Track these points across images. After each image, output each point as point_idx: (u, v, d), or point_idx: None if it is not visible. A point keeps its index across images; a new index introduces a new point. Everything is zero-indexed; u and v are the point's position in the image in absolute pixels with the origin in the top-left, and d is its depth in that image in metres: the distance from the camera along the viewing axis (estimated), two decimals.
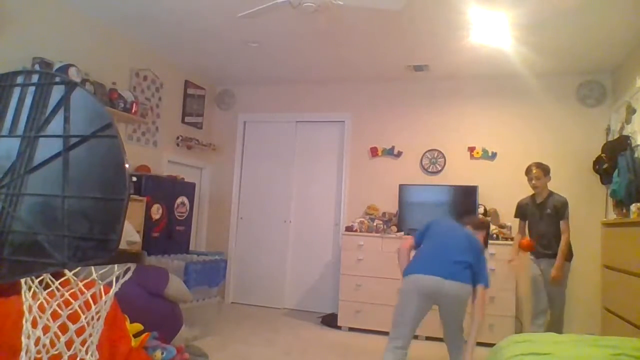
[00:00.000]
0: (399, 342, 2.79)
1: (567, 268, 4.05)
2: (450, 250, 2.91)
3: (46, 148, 1.22)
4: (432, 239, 3.06)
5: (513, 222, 4.66)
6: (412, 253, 3.10)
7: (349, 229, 5.02)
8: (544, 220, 4.05)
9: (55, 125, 1.22)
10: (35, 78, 1.29)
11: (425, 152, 5.33)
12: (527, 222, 4.22)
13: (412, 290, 2.83)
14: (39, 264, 1.17)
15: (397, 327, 2.83)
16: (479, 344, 4.15)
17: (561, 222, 3.97)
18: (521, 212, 4.24)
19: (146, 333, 2.86)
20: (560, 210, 3.97)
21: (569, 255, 4.05)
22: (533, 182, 4.07)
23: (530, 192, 4.28)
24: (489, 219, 3.23)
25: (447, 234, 3.06)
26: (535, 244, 4.10)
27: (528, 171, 4.13)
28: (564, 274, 3.96)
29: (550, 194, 4.08)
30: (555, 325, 4.04)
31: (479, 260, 2.93)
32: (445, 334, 3.00)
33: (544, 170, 4.08)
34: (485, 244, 3.19)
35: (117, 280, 1.31)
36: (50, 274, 1.30)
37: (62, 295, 1.32)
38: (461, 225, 3.19)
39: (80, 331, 1.32)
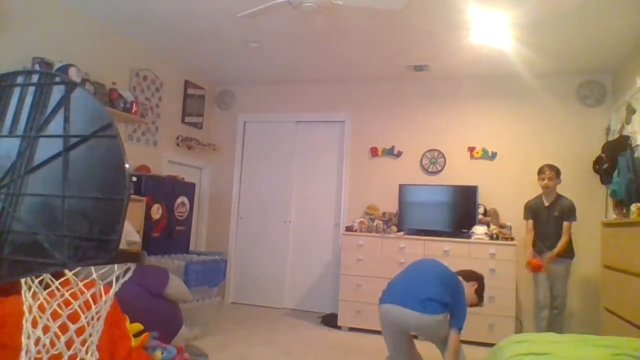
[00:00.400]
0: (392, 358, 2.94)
1: (568, 266, 4.09)
2: (420, 282, 2.88)
3: (46, 148, 1.22)
4: (406, 271, 3.10)
5: (513, 222, 4.68)
6: None
7: (349, 229, 5.02)
8: (550, 222, 4.10)
9: (55, 125, 1.22)
10: (35, 78, 1.29)
11: (425, 152, 5.33)
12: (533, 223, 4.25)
13: (382, 320, 2.91)
14: (39, 264, 1.17)
15: (388, 348, 2.98)
16: (479, 343, 4.17)
17: (566, 223, 4.04)
18: (529, 212, 4.26)
19: (146, 333, 2.86)
20: (567, 213, 4.06)
21: (570, 254, 4.09)
22: (545, 181, 4.12)
23: (534, 193, 4.32)
24: (480, 274, 3.21)
25: (423, 267, 3.06)
26: (539, 244, 4.14)
27: (541, 171, 4.18)
28: (560, 270, 4.05)
29: (559, 196, 4.13)
30: (556, 324, 4.06)
31: (455, 299, 2.86)
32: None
33: (557, 172, 4.15)
34: (480, 297, 3.11)
35: (117, 280, 1.31)
36: (50, 274, 1.30)
37: (62, 295, 1.32)
38: (448, 268, 3.09)
39: (80, 331, 1.32)
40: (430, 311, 2.73)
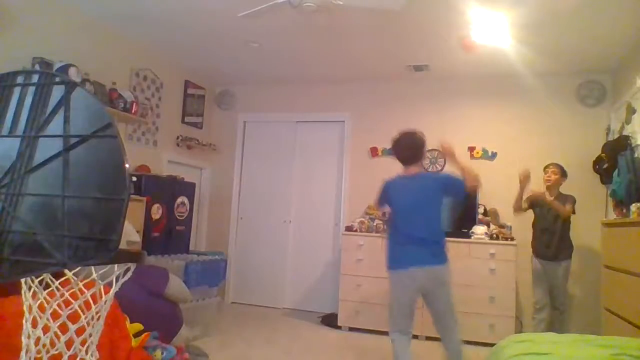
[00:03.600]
0: (400, 327, 2.92)
1: (567, 265, 4.09)
2: (417, 230, 2.87)
3: (46, 148, 1.22)
4: (397, 218, 3.02)
5: (513, 222, 4.68)
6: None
7: (349, 229, 5.02)
8: (550, 216, 4.10)
9: (55, 125, 1.22)
10: (35, 78, 1.29)
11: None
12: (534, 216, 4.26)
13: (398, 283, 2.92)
14: (39, 264, 1.17)
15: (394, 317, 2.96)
16: (479, 343, 4.17)
17: (568, 204, 4.02)
18: (531, 201, 4.25)
19: (146, 333, 2.86)
20: (569, 199, 4.05)
21: (570, 251, 4.09)
22: (549, 174, 4.13)
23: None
24: (401, 139, 3.14)
25: (408, 206, 2.98)
26: (538, 237, 4.16)
27: (546, 167, 4.22)
28: (560, 270, 4.05)
29: (560, 194, 4.14)
30: (559, 324, 4.07)
31: (448, 189, 2.94)
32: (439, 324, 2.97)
33: (562, 170, 4.17)
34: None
35: (117, 280, 1.31)
36: (50, 274, 1.30)
37: (62, 295, 1.32)
38: (412, 178, 3.05)
39: (80, 331, 1.32)
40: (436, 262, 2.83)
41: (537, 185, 4.37)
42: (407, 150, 3.10)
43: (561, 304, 4.11)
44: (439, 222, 2.94)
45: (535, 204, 4.24)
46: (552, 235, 4.06)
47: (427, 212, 2.91)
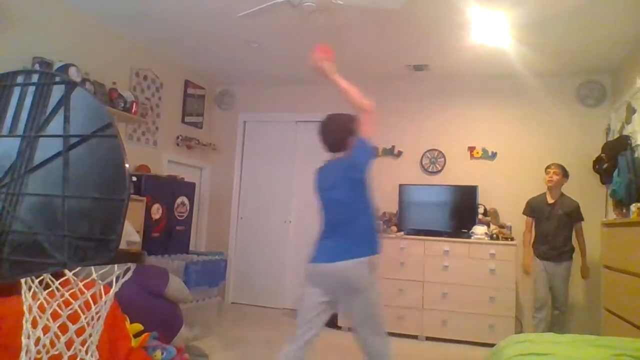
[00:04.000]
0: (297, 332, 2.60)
1: (569, 266, 4.10)
2: (335, 220, 2.59)
3: (46, 148, 1.22)
4: (322, 207, 2.71)
5: (513, 222, 4.67)
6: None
7: None
8: (552, 220, 4.11)
9: (56, 125, 1.22)
10: (35, 78, 1.29)
11: (425, 152, 5.33)
12: (534, 220, 4.27)
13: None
14: (39, 264, 1.17)
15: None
16: (479, 344, 4.17)
17: (577, 225, 4.13)
18: (531, 208, 4.28)
19: (146, 333, 2.86)
20: (573, 214, 4.09)
21: (571, 253, 4.10)
22: (550, 175, 4.15)
23: (534, 192, 4.33)
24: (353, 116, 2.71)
25: (327, 194, 2.67)
26: (539, 240, 4.18)
27: (547, 168, 4.23)
28: (561, 271, 4.09)
29: (562, 195, 4.15)
30: (559, 325, 4.07)
31: (360, 164, 2.50)
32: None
33: (564, 170, 4.18)
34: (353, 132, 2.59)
35: (117, 280, 1.31)
36: (50, 274, 1.30)
37: (62, 295, 1.32)
38: (332, 162, 2.67)
39: (80, 331, 1.32)
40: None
41: (537, 186, 4.37)
42: (331, 138, 2.73)
43: (561, 304, 4.11)
44: (360, 208, 2.54)
45: (535, 209, 4.25)
46: (554, 237, 4.07)
47: (345, 198, 2.54)
